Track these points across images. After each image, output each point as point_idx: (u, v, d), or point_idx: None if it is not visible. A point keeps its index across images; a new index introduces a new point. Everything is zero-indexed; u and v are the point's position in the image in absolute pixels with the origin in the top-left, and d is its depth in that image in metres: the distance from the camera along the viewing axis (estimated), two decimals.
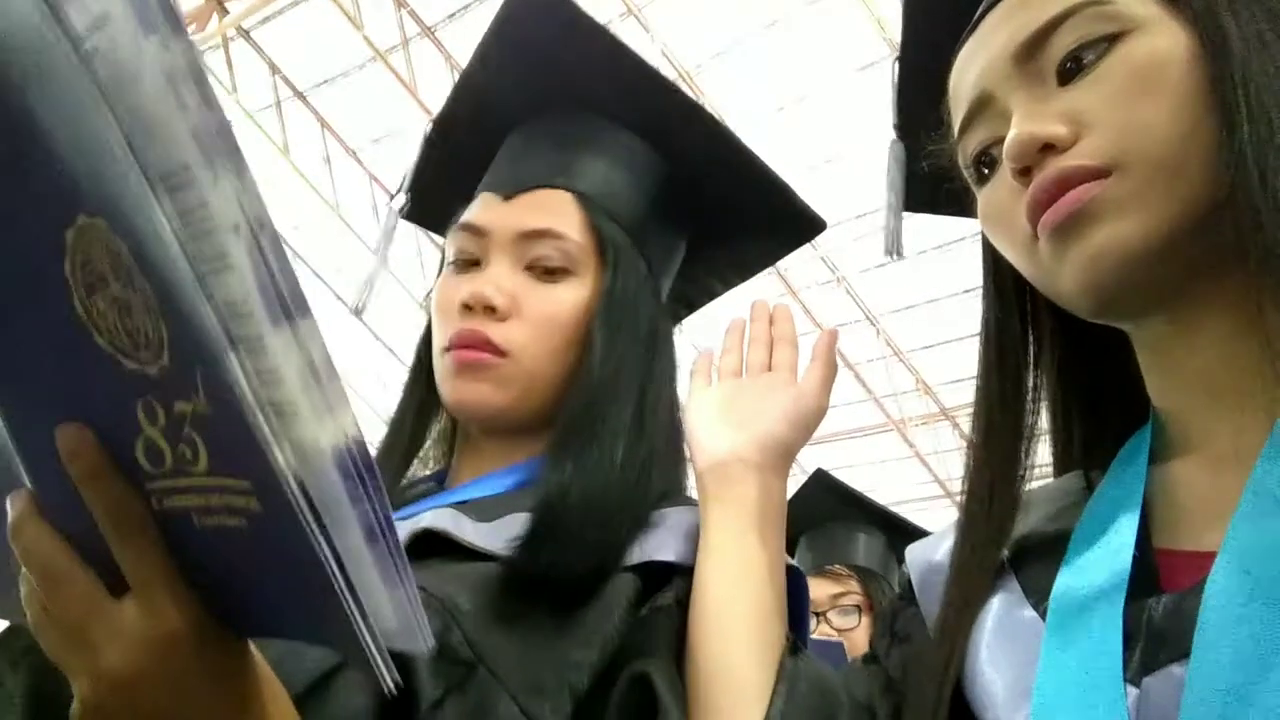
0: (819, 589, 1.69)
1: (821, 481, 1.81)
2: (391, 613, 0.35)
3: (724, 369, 0.76)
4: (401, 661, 0.57)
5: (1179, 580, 0.46)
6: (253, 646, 0.45)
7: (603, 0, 6.65)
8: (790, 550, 1.79)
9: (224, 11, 7.57)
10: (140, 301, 0.36)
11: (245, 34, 7.74)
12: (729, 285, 0.92)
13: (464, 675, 0.58)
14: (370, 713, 0.53)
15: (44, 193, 0.36)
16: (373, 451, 0.85)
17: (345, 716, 0.53)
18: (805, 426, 0.71)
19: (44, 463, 0.41)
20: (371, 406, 6.88)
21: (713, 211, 0.84)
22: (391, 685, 0.35)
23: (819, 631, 1.67)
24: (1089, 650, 0.45)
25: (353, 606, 0.34)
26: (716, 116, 0.85)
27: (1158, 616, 0.45)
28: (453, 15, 7.07)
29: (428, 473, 0.86)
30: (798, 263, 7.07)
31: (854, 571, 1.70)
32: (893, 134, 0.69)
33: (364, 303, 0.89)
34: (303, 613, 0.39)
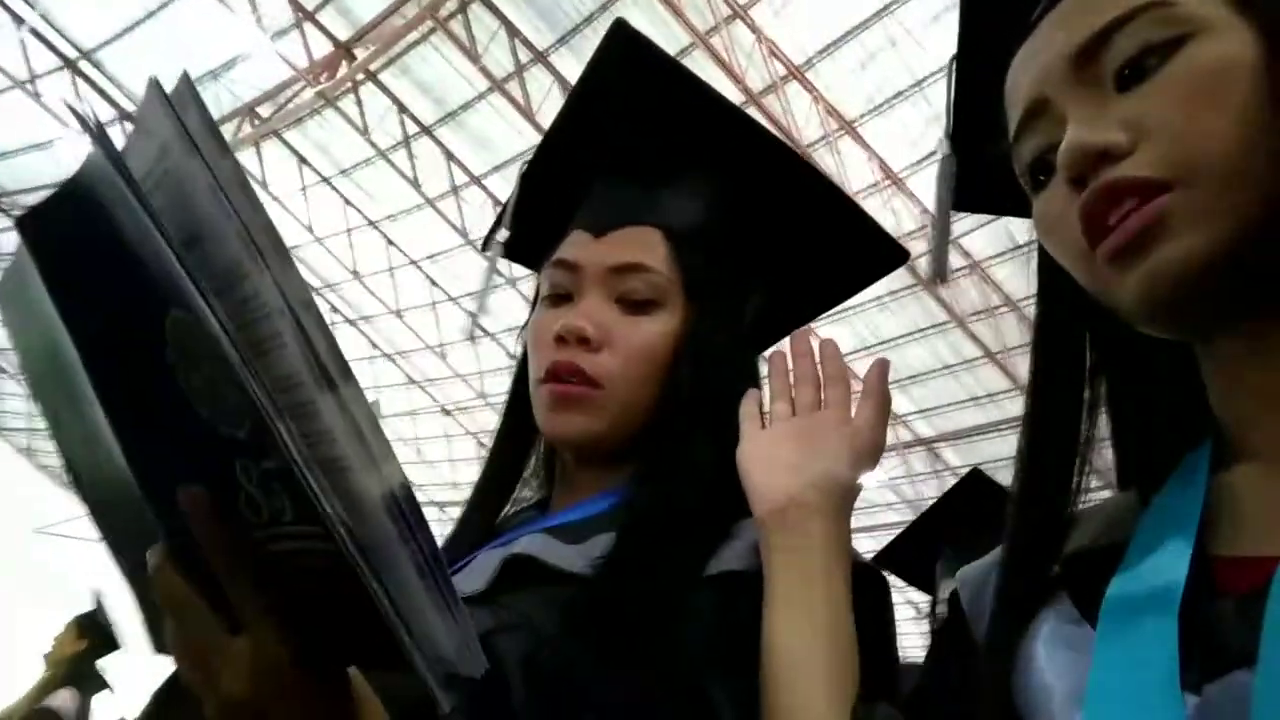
0: None
1: (977, 482, 1.73)
2: (446, 640, 0.39)
3: (777, 413, 0.74)
4: (497, 683, 0.62)
5: (1237, 586, 0.44)
6: (355, 672, 0.50)
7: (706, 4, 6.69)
8: (933, 551, 1.71)
9: (352, 58, 8.01)
10: (224, 377, 0.41)
11: (373, 76, 8.16)
12: (814, 314, 0.93)
13: (555, 694, 0.61)
14: None
15: (143, 292, 0.43)
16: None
17: None
18: (864, 464, 0.70)
19: (172, 518, 0.48)
20: None
21: (796, 243, 0.87)
22: (446, 707, 0.39)
23: None
24: (1143, 657, 0.44)
25: (404, 635, 0.39)
26: (796, 147, 0.87)
27: (1218, 622, 0.43)
28: (563, 39, 7.26)
29: (532, 499, 0.90)
30: None
31: None
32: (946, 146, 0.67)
33: (472, 334, 0.95)
34: (377, 643, 0.44)
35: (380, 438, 0.38)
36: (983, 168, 0.61)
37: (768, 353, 0.82)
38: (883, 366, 0.75)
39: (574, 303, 0.80)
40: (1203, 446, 0.52)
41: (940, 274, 0.68)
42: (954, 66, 0.66)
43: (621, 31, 0.84)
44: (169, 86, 0.39)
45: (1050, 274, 0.55)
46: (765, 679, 0.62)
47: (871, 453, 0.70)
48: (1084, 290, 0.52)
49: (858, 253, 0.87)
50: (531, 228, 0.90)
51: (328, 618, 0.46)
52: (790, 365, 0.77)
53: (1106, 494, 0.57)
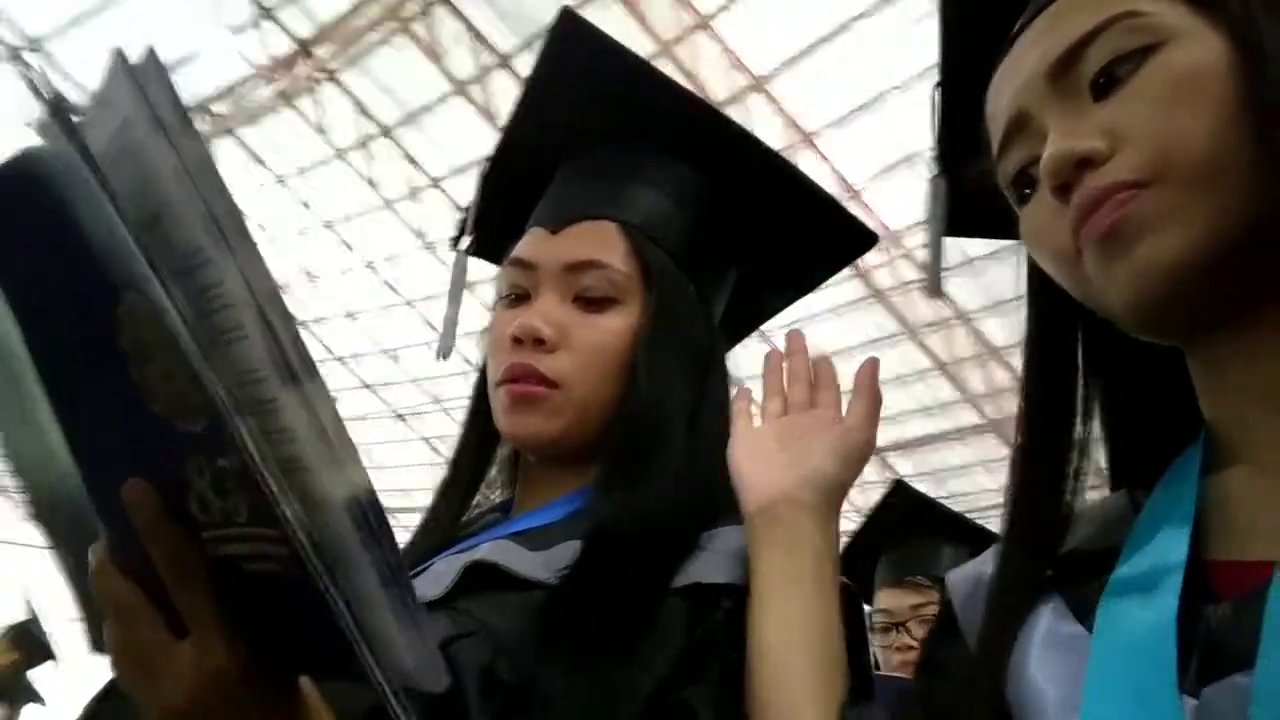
0: (900, 599, 1.67)
1: (901, 493, 1.78)
2: (407, 653, 0.38)
3: (770, 411, 0.75)
4: (452, 691, 0.60)
5: (1233, 590, 0.45)
6: (306, 681, 0.48)
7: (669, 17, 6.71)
8: (871, 563, 1.77)
9: (309, 56, 7.90)
10: (181, 369, 0.39)
11: (332, 76, 8.06)
12: (786, 303, 0.92)
13: (512, 704, 0.60)
14: None
15: (94, 277, 0.41)
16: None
17: None
18: (854, 462, 0.70)
19: (116, 515, 0.46)
20: None
21: (763, 232, 0.85)
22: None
23: (897, 644, 1.65)
24: (1140, 660, 0.44)
25: (363, 645, 0.37)
26: (755, 134, 0.86)
27: (1215, 625, 0.44)
28: (527, 43, 7.23)
29: (495, 501, 0.88)
30: None
31: (935, 583, 1.67)
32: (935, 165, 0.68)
33: (449, 346, 0.92)
34: (332, 652, 0.42)
35: (345, 438, 0.36)
36: (968, 193, 0.61)
37: (764, 351, 0.80)
38: (873, 365, 0.75)
39: (531, 302, 0.78)
40: (1193, 448, 0.52)
41: (935, 291, 0.68)
42: (939, 91, 0.67)
43: (568, 20, 0.82)
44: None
45: (1040, 282, 0.56)
46: (751, 674, 0.62)
47: (862, 451, 0.70)
48: (1073, 297, 0.53)
49: (824, 237, 0.86)
50: (495, 226, 0.88)
51: (278, 625, 0.44)
52: (785, 363, 0.76)
53: (1103, 492, 0.58)
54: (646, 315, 0.77)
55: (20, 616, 3.39)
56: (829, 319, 8.13)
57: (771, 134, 7.35)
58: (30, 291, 0.42)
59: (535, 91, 0.86)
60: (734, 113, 7.18)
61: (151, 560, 0.44)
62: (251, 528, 0.41)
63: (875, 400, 0.72)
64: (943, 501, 1.94)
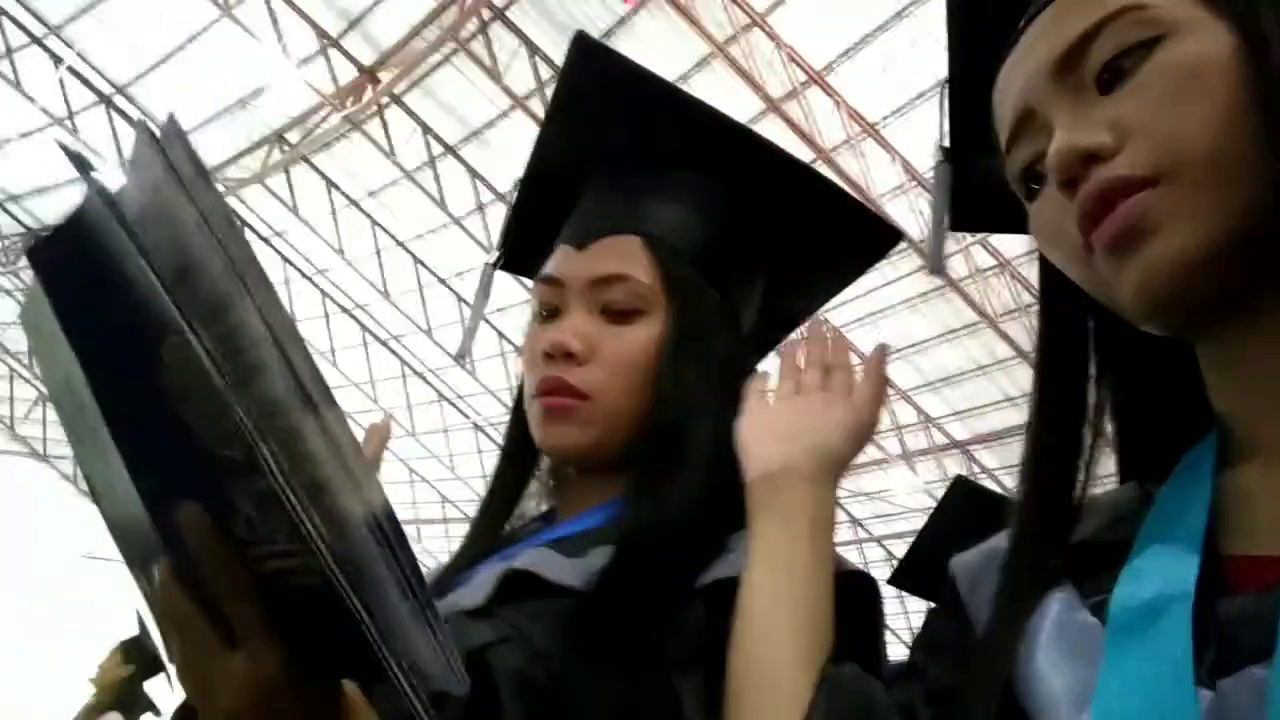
0: None
1: (963, 489, 1.74)
2: (430, 658, 0.41)
3: (781, 393, 0.76)
4: (488, 696, 0.63)
5: (1248, 583, 0.45)
6: (351, 686, 0.52)
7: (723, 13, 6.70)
8: (942, 559, 1.75)
9: (376, 81, 8.12)
10: (215, 403, 0.43)
11: (398, 100, 8.27)
12: (817, 306, 0.93)
13: (545, 707, 0.62)
14: None
15: (142, 319, 0.45)
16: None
17: None
18: (858, 439, 0.71)
19: (174, 537, 0.50)
20: None
21: (787, 237, 0.86)
22: None
23: None
24: (1156, 653, 0.44)
25: (386, 651, 0.40)
26: (776, 142, 0.87)
27: (1231, 618, 0.44)
28: None
29: (539, 512, 0.91)
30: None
31: None
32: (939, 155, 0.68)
33: (467, 350, 0.97)
34: (365, 658, 0.46)
35: (361, 460, 0.39)
36: (981, 187, 0.62)
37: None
38: (882, 351, 0.76)
39: (561, 317, 0.81)
40: (1205, 441, 0.52)
41: (937, 269, 0.69)
42: (947, 87, 0.67)
43: (582, 43, 0.85)
44: (193, 119, 0.41)
45: (1051, 276, 0.57)
46: (736, 631, 0.63)
47: (866, 429, 0.72)
48: (1083, 295, 0.53)
49: (849, 238, 0.87)
50: (532, 242, 0.91)
51: (320, 634, 0.47)
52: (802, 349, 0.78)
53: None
54: (671, 325, 0.79)
55: (132, 631, 3.54)
56: (903, 311, 8.00)
57: (834, 126, 7.27)
58: (90, 331, 0.47)
59: (557, 115, 0.89)
60: (793, 108, 7.15)
61: (205, 577, 0.48)
62: (290, 544, 0.45)
63: (882, 383, 0.74)
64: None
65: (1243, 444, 0.50)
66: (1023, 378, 8.47)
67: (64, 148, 0.40)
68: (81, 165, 0.40)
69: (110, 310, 0.45)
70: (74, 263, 0.44)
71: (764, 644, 0.62)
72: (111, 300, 0.44)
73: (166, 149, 0.38)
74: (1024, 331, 8.14)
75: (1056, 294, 0.57)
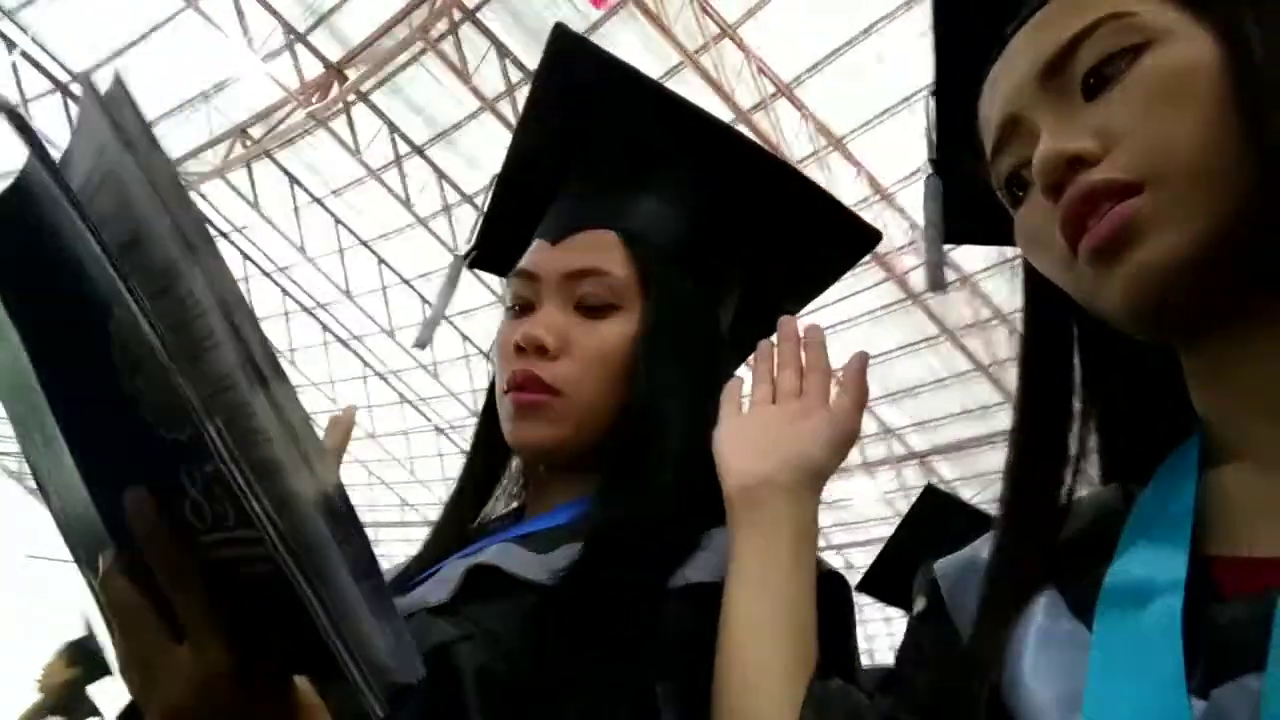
0: None
1: (932, 498, 1.76)
2: (383, 646, 0.39)
3: (756, 398, 0.74)
4: (452, 693, 0.61)
5: (1242, 588, 0.44)
6: (303, 683, 0.50)
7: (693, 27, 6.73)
8: (910, 568, 1.74)
9: (343, 79, 8.04)
10: (161, 381, 0.41)
11: (364, 97, 8.19)
12: (797, 307, 0.92)
13: (510, 704, 0.60)
14: None
15: (88, 294, 0.43)
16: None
17: None
18: (838, 450, 0.70)
19: (120, 526, 0.48)
20: None
21: (766, 235, 0.86)
22: (381, 713, 0.39)
23: None
24: (1145, 660, 0.44)
25: (336, 639, 0.38)
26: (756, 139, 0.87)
27: (1223, 625, 0.43)
28: None
29: (508, 509, 0.90)
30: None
31: None
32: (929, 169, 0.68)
33: (427, 339, 0.97)
34: (317, 651, 0.44)
35: (313, 438, 0.37)
36: (967, 199, 0.62)
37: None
38: (862, 359, 0.75)
39: (534, 312, 0.79)
40: (1189, 444, 0.52)
41: (937, 285, 0.68)
42: (933, 98, 0.67)
43: (561, 36, 0.84)
44: (154, 110, 0.39)
45: (1035, 281, 0.57)
46: (721, 650, 0.62)
47: (846, 439, 0.70)
48: (1068, 301, 0.53)
49: (829, 237, 0.87)
50: (506, 239, 0.90)
51: (271, 626, 0.45)
52: (775, 350, 0.77)
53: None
54: (646, 320, 0.78)
55: (78, 632, 3.46)
56: (866, 324, 8.07)
57: (801, 138, 7.34)
58: (33, 307, 0.44)
59: (534, 109, 0.87)
60: (761, 119, 7.20)
61: (152, 567, 0.46)
62: (240, 531, 0.43)
63: (863, 391, 0.72)
64: (984, 507, 1.92)
65: (1226, 446, 0.50)
66: (981, 391, 8.62)
67: (4, 107, 0.38)
68: (21, 126, 0.37)
69: (56, 283, 0.43)
70: (13, 235, 0.42)
71: (747, 665, 0.61)
72: (57, 272, 0.42)
73: (112, 110, 0.36)
74: (983, 346, 8.26)
75: (1040, 299, 0.57)
